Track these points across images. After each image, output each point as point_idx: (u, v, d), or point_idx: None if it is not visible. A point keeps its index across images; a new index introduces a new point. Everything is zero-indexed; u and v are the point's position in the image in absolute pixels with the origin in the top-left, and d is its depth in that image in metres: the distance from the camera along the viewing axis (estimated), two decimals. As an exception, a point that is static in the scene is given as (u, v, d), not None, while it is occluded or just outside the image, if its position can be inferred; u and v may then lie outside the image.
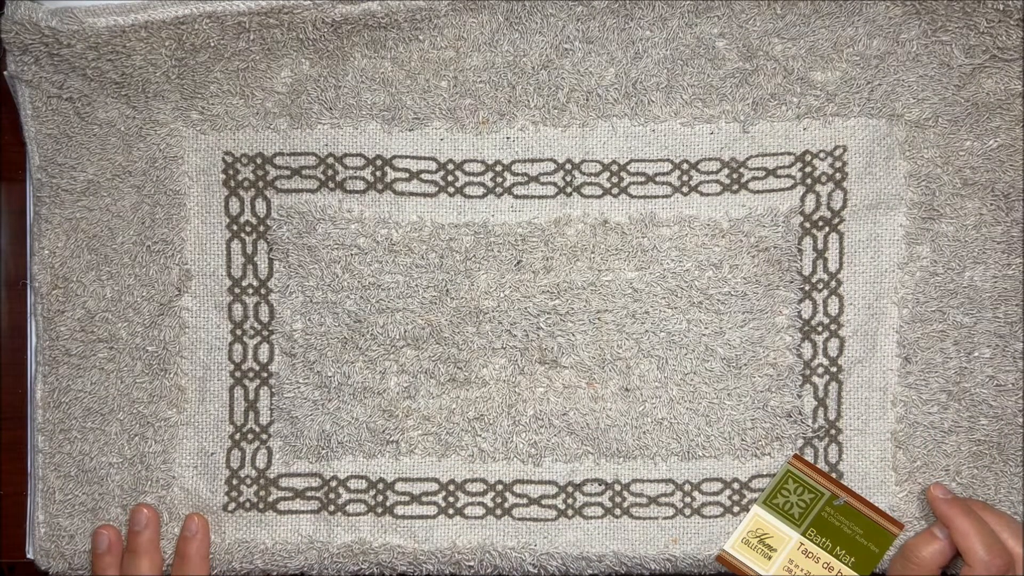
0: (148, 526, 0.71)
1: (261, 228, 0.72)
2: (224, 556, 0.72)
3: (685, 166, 0.71)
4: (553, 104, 0.71)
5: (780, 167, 0.71)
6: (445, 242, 0.71)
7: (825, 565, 0.69)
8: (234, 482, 0.72)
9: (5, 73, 0.70)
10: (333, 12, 0.68)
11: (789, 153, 0.71)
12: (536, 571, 0.72)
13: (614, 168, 0.71)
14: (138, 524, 0.71)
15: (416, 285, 0.71)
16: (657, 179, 0.71)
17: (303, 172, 0.71)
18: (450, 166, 0.71)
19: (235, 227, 0.72)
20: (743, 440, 0.71)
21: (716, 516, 0.72)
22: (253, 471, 0.72)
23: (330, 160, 0.71)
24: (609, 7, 0.69)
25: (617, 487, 0.72)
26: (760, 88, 0.70)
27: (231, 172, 0.71)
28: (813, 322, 0.71)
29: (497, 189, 0.71)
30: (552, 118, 0.71)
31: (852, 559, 0.69)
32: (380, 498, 0.72)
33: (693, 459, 0.71)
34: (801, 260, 0.71)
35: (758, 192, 0.71)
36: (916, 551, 0.68)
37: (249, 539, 0.72)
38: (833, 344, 0.71)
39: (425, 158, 0.71)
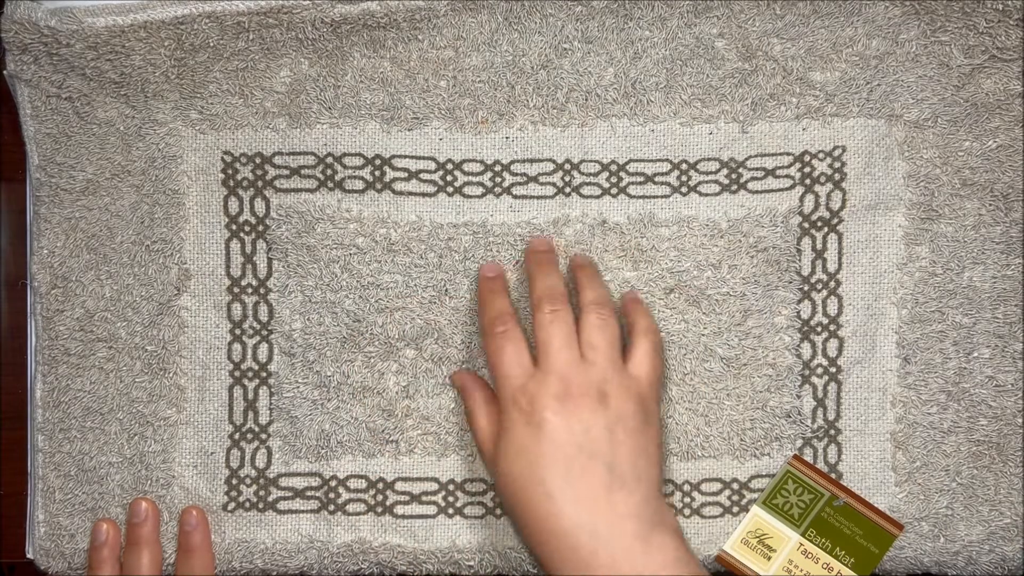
0: (148, 519, 0.71)
1: (260, 228, 0.72)
2: (224, 556, 0.72)
3: (684, 166, 0.71)
4: (552, 104, 0.71)
5: (779, 167, 0.71)
6: (444, 242, 0.71)
7: (824, 565, 0.69)
8: (233, 482, 0.72)
9: (5, 72, 0.70)
10: (332, 12, 0.68)
11: (788, 153, 0.70)
12: (536, 571, 0.72)
13: (613, 168, 0.71)
14: (138, 516, 0.71)
15: (415, 285, 0.71)
16: (656, 179, 0.71)
17: (302, 172, 0.71)
18: (449, 166, 0.71)
19: (234, 227, 0.72)
20: (742, 440, 0.71)
21: (715, 516, 0.72)
22: (253, 471, 0.72)
23: (329, 160, 0.71)
24: (608, 7, 0.69)
25: (616, 487, 0.72)
26: (759, 88, 0.70)
27: (230, 172, 0.71)
28: (812, 322, 0.71)
29: (496, 189, 0.71)
30: (551, 118, 0.71)
31: (851, 560, 0.69)
32: (380, 498, 0.72)
33: (692, 459, 0.71)
34: (800, 260, 0.71)
35: (757, 192, 0.71)
36: None
37: (249, 539, 0.72)
38: (832, 344, 0.71)
39: (424, 158, 0.71)
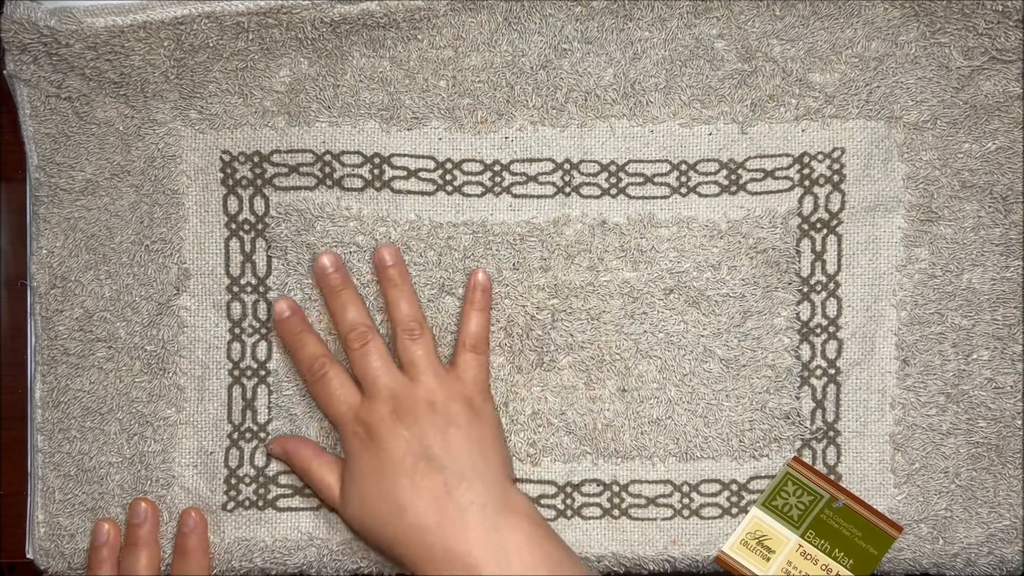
0: (147, 519, 0.71)
1: (259, 226, 0.72)
2: (224, 555, 0.72)
3: (683, 167, 0.71)
4: (552, 104, 0.70)
5: (778, 169, 0.70)
6: (443, 241, 0.71)
7: (823, 567, 0.69)
8: (233, 481, 0.72)
9: (4, 72, 0.70)
10: (332, 12, 0.68)
11: (787, 155, 0.70)
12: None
13: (612, 168, 0.71)
14: (137, 517, 0.71)
15: (414, 283, 0.71)
16: (655, 180, 0.71)
17: (300, 169, 0.71)
18: (448, 165, 0.71)
19: (233, 225, 0.72)
20: (741, 441, 0.71)
21: (715, 517, 0.72)
22: (252, 470, 0.72)
23: (327, 157, 0.71)
24: (608, 7, 0.69)
25: (615, 488, 0.72)
26: (759, 89, 0.70)
27: (229, 171, 0.71)
28: (811, 324, 0.71)
29: (496, 188, 0.71)
30: (550, 118, 0.71)
31: (850, 561, 0.69)
32: (379, 497, 0.72)
33: (691, 460, 0.71)
34: (799, 262, 0.71)
35: (756, 194, 0.71)
36: None
37: (249, 537, 0.72)
38: (831, 346, 0.71)
39: (423, 156, 0.71)
